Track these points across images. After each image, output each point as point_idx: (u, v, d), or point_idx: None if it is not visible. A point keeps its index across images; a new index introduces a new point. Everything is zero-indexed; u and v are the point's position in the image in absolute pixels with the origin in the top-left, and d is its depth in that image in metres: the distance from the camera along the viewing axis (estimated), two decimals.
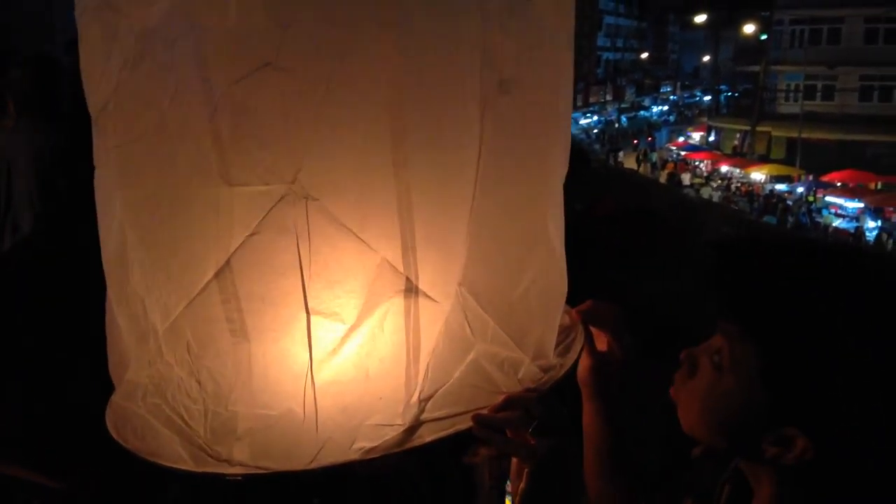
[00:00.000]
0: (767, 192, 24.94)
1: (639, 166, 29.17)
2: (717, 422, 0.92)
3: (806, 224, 21.79)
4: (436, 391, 0.87)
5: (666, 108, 52.07)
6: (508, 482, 1.28)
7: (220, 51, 0.79)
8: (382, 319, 0.84)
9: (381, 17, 0.78)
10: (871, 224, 21.02)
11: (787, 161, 26.56)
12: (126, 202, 0.90)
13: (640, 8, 51.45)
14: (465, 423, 0.87)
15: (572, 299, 1.07)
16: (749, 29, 34.98)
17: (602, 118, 41.54)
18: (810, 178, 24.80)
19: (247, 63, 0.77)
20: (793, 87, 30.18)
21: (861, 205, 21.95)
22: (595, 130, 39.45)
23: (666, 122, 48.46)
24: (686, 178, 26.73)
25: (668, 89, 54.47)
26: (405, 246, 0.82)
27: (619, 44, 47.81)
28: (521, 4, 0.88)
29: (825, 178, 24.28)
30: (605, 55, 45.93)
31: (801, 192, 24.14)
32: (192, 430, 0.85)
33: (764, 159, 28.05)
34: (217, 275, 0.82)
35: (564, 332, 1.06)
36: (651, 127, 44.07)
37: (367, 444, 0.84)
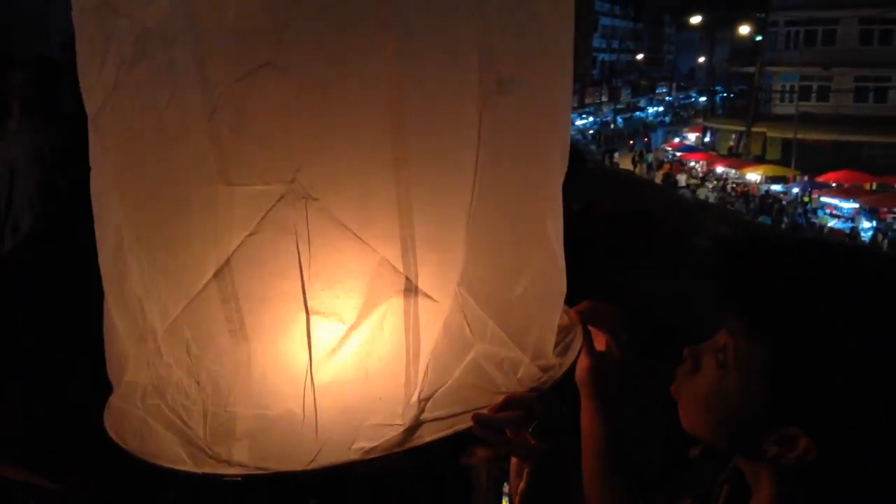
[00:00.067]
0: (763, 192, 24.97)
1: (635, 167, 29.18)
2: (718, 419, 0.92)
3: (802, 225, 21.81)
4: (435, 391, 0.87)
5: (661, 109, 52.13)
6: (505, 484, 1.29)
7: (219, 50, 0.78)
8: (382, 319, 0.84)
9: (381, 18, 0.78)
10: (866, 224, 21.05)
11: (783, 162, 26.60)
12: (124, 202, 0.90)
13: (635, 9, 51.53)
14: (464, 423, 0.87)
15: (570, 299, 1.07)
16: (744, 30, 35.08)
17: (598, 119, 41.58)
18: (806, 178, 24.82)
19: (246, 62, 0.77)
20: (788, 87, 30.23)
21: (856, 205, 21.98)
22: (591, 131, 39.50)
23: (662, 123, 48.52)
24: (682, 179, 26.76)
25: (664, 90, 54.56)
26: (405, 246, 0.82)
27: (615, 45, 47.89)
28: (521, 4, 0.88)
29: (820, 179, 24.33)
30: (601, 56, 46.01)
31: (797, 193, 24.16)
32: (191, 431, 0.85)
33: (759, 160, 28.06)
34: (216, 275, 0.82)
35: (563, 332, 1.06)
36: (647, 128, 44.13)
37: (367, 445, 0.84)
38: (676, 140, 38.74)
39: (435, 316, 0.86)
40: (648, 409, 1.22)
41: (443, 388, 0.88)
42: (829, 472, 0.84)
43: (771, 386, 0.86)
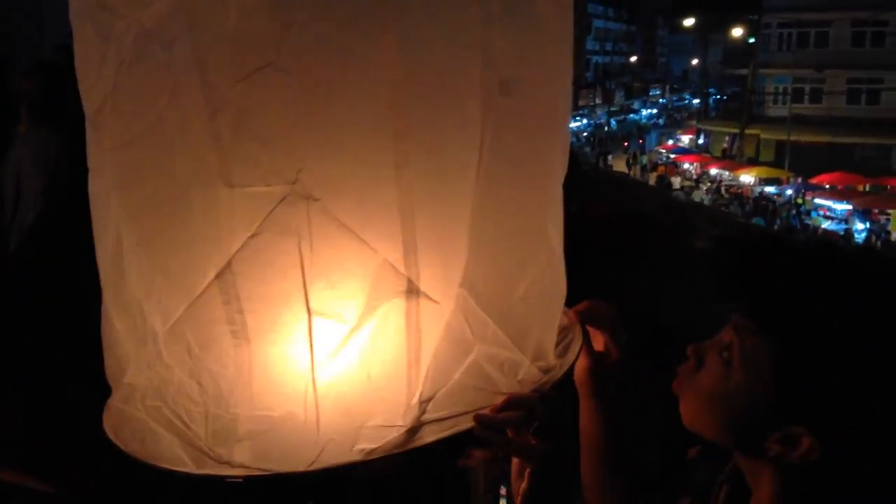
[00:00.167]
0: (757, 194, 25.04)
1: (629, 169, 29.23)
2: (721, 417, 0.92)
3: (796, 227, 21.87)
4: (436, 392, 0.87)
5: (655, 111, 52.31)
6: (503, 486, 1.29)
7: (220, 51, 0.78)
8: (384, 320, 0.84)
9: (382, 18, 0.78)
10: (859, 226, 21.12)
11: (776, 163, 26.67)
12: (123, 205, 0.90)
13: (628, 11, 51.71)
14: (466, 424, 0.87)
15: (568, 300, 1.07)
16: (737, 32, 35.10)
17: (592, 121, 41.67)
18: (799, 180, 24.89)
19: (248, 63, 0.77)
20: (781, 89, 30.33)
21: (850, 207, 22.05)
22: (585, 134, 39.57)
23: (655, 125, 48.65)
24: (676, 181, 26.84)
25: (658, 92, 54.75)
26: (406, 247, 0.82)
27: (609, 47, 48.02)
28: (521, 5, 0.88)
29: (814, 181, 24.39)
30: (595, 59, 46.12)
31: (790, 195, 24.24)
32: (192, 433, 0.85)
33: (753, 162, 28.13)
34: (218, 276, 0.81)
35: (562, 333, 1.06)
36: (640, 130, 44.25)
37: (369, 446, 0.84)
38: (670, 142, 38.87)
39: (436, 317, 0.86)
40: (648, 409, 1.22)
41: (444, 390, 0.87)
42: (832, 472, 0.84)
43: (776, 385, 0.86)
